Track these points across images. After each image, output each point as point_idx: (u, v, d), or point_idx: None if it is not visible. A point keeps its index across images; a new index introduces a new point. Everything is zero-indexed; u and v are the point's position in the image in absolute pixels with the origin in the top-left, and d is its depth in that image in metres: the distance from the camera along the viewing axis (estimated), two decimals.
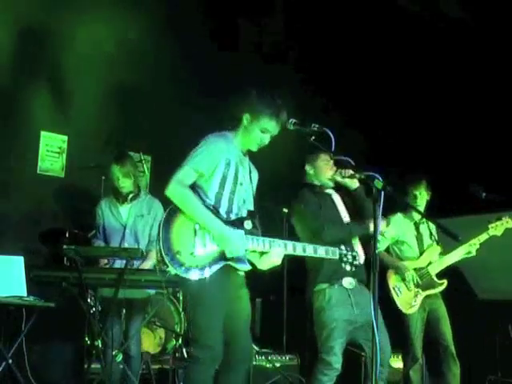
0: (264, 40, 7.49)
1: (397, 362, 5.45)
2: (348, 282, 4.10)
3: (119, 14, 6.28)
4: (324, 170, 4.29)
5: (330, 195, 4.36)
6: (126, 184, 4.78)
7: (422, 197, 5.14)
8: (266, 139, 3.53)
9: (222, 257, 3.39)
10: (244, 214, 3.54)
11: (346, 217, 4.29)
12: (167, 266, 3.29)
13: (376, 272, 3.06)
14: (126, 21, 6.31)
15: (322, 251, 3.59)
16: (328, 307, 4.06)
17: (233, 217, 3.49)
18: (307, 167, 4.38)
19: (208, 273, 3.33)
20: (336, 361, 4.02)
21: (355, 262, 3.65)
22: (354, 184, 4.18)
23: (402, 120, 7.37)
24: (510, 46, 6.66)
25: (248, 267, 3.47)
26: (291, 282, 6.22)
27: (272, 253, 3.44)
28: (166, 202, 3.68)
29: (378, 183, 3.13)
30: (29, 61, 5.97)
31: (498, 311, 5.73)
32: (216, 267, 3.36)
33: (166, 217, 3.36)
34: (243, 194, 3.57)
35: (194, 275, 3.31)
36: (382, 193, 3.11)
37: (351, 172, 4.11)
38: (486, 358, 5.71)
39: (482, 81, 6.92)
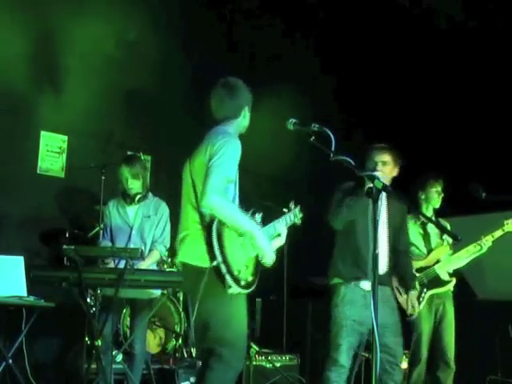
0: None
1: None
2: (366, 284, 4.08)
3: (119, 13, 6.28)
4: None
5: None
6: (134, 185, 4.79)
7: (433, 195, 5.14)
8: None
9: (259, 262, 3.44)
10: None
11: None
12: (230, 287, 3.20)
13: (376, 272, 3.06)
14: (126, 21, 6.31)
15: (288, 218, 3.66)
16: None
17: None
18: None
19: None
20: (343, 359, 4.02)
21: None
22: None
23: (402, 120, 7.37)
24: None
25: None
26: (291, 282, 6.23)
27: (283, 234, 3.57)
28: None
29: (378, 183, 3.13)
30: (29, 61, 5.96)
31: (498, 311, 5.74)
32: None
33: (217, 238, 3.21)
34: None
35: (251, 287, 3.34)
36: (383, 193, 3.11)
37: None
38: (486, 358, 5.71)
39: (482, 80, 6.93)
